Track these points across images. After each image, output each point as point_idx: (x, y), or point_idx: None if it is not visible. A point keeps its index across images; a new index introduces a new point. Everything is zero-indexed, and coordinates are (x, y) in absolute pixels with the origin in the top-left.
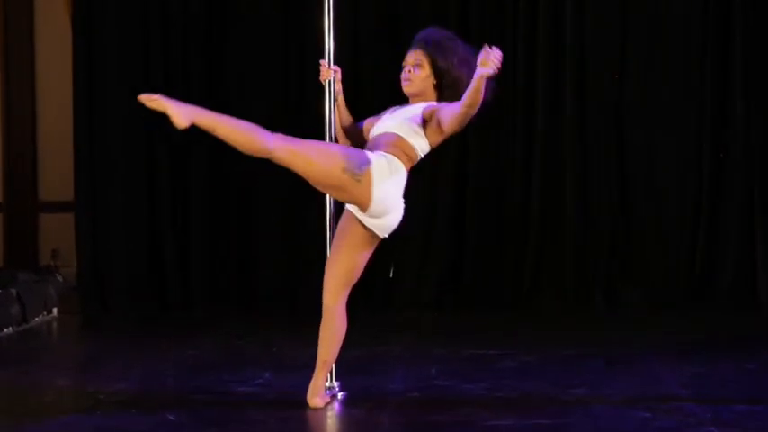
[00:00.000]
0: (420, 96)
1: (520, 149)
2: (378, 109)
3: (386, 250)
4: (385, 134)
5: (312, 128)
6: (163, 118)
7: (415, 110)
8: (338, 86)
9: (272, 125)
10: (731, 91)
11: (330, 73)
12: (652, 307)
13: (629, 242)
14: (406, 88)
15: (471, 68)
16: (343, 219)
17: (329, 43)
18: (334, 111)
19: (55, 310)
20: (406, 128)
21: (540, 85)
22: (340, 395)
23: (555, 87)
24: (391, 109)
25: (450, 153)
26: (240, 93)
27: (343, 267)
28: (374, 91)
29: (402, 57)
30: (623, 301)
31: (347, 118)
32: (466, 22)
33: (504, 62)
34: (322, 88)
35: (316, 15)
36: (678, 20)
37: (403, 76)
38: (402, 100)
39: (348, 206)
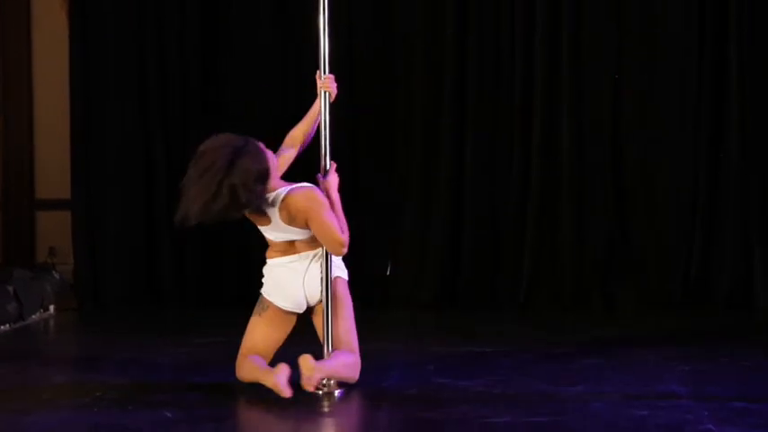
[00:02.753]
0: None
1: (517, 151)
2: (375, 121)
3: (383, 248)
4: None
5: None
6: (159, 118)
7: None
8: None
9: (269, 129)
10: (727, 99)
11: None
12: (649, 309)
13: (625, 244)
14: None
15: None
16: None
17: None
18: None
19: (51, 308)
20: None
21: (539, 94)
22: (337, 392)
23: (552, 97)
24: None
25: (448, 154)
26: (237, 98)
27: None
28: (370, 101)
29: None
30: (620, 303)
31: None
32: (463, 45)
33: (503, 71)
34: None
35: (312, 17)
36: (674, 33)
37: None
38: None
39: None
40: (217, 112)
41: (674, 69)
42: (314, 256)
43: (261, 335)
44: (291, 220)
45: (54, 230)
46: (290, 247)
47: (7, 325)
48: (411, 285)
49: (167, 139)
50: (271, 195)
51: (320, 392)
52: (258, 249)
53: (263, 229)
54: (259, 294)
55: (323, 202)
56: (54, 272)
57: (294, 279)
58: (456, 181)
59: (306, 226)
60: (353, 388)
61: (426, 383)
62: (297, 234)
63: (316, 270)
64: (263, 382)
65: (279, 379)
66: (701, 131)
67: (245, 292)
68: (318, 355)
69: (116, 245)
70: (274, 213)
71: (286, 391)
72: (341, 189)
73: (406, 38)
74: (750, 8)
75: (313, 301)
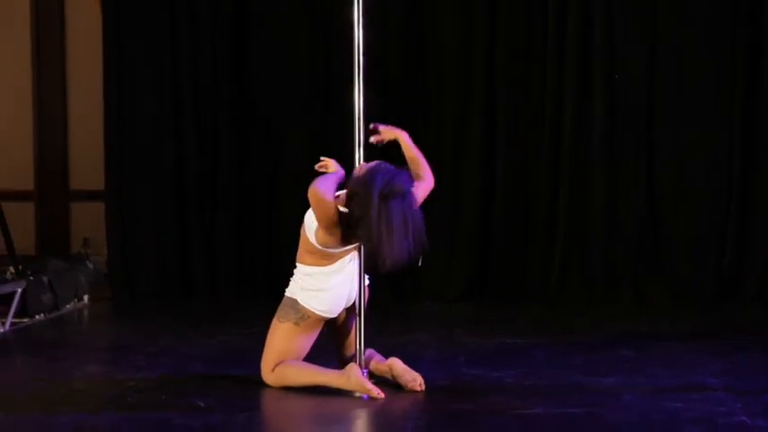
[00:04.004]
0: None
1: (548, 144)
2: (406, 109)
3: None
4: None
5: (340, 125)
6: (191, 110)
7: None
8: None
9: (299, 125)
10: (760, 87)
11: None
12: (680, 301)
13: (656, 237)
14: None
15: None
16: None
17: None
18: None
19: (86, 298)
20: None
21: (568, 85)
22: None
23: (583, 87)
24: None
25: (478, 146)
26: (267, 91)
27: None
28: (402, 87)
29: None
30: (651, 296)
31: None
32: (493, 20)
33: (534, 61)
34: (349, 82)
35: (345, 11)
36: (708, 21)
37: None
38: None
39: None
40: (247, 103)
41: (707, 69)
42: (350, 260)
43: (299, 344)
44: None
45: (88, 221)
46: (336, 255)
47: (42, 315)
48: (442, 277)
49: (200, 132)
50: None
51: None
52: (291, 241)
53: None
54: (290, 300)
55: None
56: (88, 262)
57: (345, 284)
58: (486, 173)
59: None
60: (384, 379)
61: (457, 375)
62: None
63: (355, 273)
64: (330, 384)
65: (366, 382)
66: (735, 125)
67: (276, 283)
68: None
69: (149, 236)
70: None
71: (377, 391)
72: None
73: (437, 23)
74: None
75: (348, 305)
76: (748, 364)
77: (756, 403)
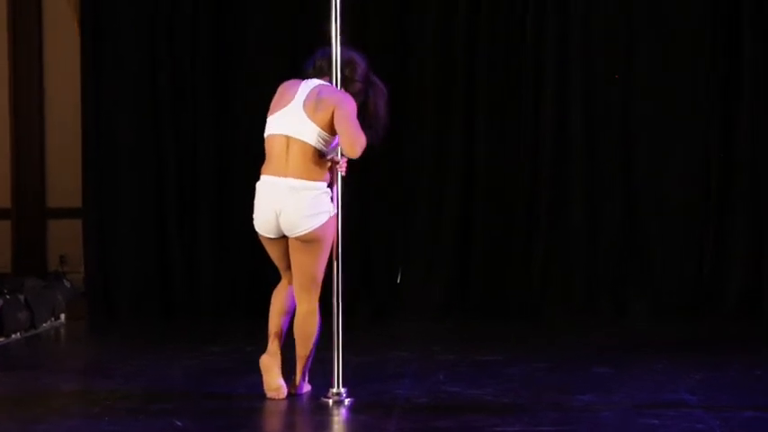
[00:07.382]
0: None
1: (527, 158)
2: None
3: (394, 256)
4: None
5: None
6: (170, 127)
7: None
8: None
9: None
10: (738, 102)
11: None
12: (659, 315)
13: (635, 250)
14: None
15: None
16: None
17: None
18: None
19: (62, 316)
20: None
21: (548, 93)
22: (347, 401)
23: (562, 96)
24: None
25: (457, 160)
26: (247, 107)
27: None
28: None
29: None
30: (630, 309)
31: None
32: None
33: (512, 70)
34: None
35: (324, 21)
36: (687, 29)
37: None
38: None
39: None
40: (227, 121)
41: (685, 80)
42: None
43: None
44: None
45: (65, 239)
46: None
47: (18, 333)
48: (421, 294)
49: (178, 150)
50: None
51: (331, 401)
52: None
53: None
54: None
55: None
56: (65, 280)
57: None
58: (465, 187)
59: None
60: (364, 397)
61: (436, 392)
62: None
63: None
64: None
65: (273, 377)
66: (712, 135)
67: (257, 302)
68: None
69: (127, 253)
70: None
71: (279, 393)
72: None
73: (419, 25)
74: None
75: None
76: (726, 381)
77: (734, 420)
